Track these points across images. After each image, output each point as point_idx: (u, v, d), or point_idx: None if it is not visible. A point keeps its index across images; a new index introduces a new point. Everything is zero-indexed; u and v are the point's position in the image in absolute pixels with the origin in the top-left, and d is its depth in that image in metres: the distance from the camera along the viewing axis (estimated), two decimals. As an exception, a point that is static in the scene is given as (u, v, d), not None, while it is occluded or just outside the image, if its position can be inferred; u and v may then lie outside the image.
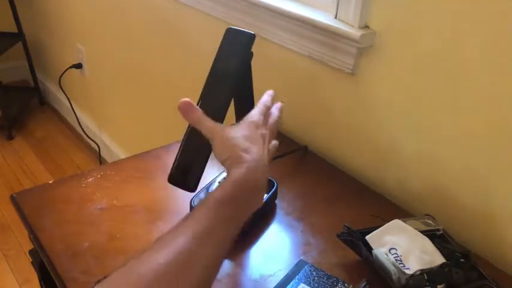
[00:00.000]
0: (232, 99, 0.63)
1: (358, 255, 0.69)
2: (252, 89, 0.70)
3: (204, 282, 0.48)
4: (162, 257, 0.45)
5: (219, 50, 0.62)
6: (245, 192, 0.53)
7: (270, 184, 0.80)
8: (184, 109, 0.56)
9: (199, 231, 0.48)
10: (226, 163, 0.55)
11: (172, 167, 0.60)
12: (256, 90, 1.10)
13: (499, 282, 0.63)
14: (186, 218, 0.50)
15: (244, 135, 0.57)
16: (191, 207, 0.74)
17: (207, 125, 0.56)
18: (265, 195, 0.78)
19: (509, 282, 0.69)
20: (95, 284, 0.45)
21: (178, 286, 0.45)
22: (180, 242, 0.47)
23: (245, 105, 0.68)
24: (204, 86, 0.61)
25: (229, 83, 0.61)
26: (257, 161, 0.55)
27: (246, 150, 0.55)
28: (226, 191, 0.52)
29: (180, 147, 0.60)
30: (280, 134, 1.04)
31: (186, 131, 0.60)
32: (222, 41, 0.62)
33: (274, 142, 0.64)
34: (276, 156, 0.90)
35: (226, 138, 0.56)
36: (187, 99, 0.56)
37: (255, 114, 0.61)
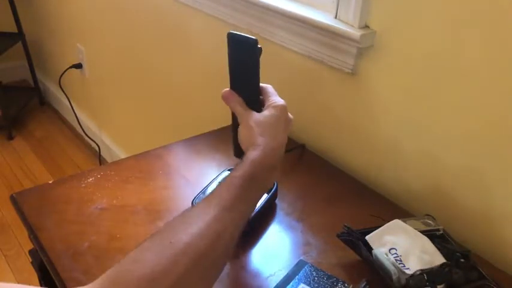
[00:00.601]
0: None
1: (358, 255, 0.69)
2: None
3: (229, 249, 0.54)
4: (195, 227, 0.50)
5: (230, 60, 0.65)
6: (262, 171, 0.58)
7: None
8: (224, 96, 0.65)
9: (227, 205, 0.53)
10: (244, 146, 0.61)
11: (233, 145, 0.67)
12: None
13: (499, 282, 0.63)
14: (209, 197, 0.55)
15: (268, 122, 0.61)
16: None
17: (238, 111, 0.63)
18: (265, 195, 0.78)
19: (509, 282, 0.69)
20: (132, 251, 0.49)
21: (213, 253, 0.50)
22: (210, 214, 0.52)
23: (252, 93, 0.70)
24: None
25: (252, 80, 0.67)
26: (272, 144, 0.60)
27: (262, 134, 0.60)
28: (246, 170, 0.57)
29: (231, 128, 0.67)
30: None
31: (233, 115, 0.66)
32: (228, 51, 0.64)
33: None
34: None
35: (249, 124, 0.61)
36: (227, 89, 0.65)
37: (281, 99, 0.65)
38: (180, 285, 0.47)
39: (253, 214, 0.71)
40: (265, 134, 0.60)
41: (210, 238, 0.50)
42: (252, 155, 0.58)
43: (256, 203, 0.60)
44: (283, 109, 0.64)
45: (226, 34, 0.62)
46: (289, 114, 0.65)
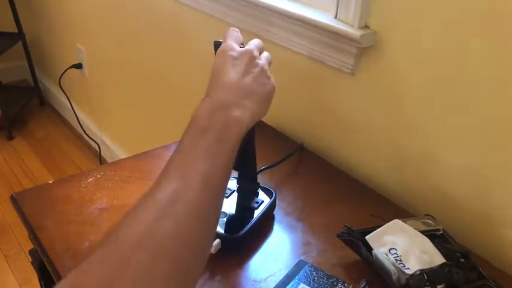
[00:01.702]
0: None
1: (358, 255, 0.69)
2: None
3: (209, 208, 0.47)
4: (147, 211, 0.43)
5: None
6: (213, 115, 0.52)
7: (269, 193, 0.78)
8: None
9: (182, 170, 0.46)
10: None
11: None
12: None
13: (499, 282, 0.63)
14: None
15: (213, 68, 0.57)
16: None
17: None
18: (264, 204, 0.75)
19: (509, 282, 0.69)
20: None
21: (185, 231, 0.43)
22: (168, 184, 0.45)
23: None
24: None
25: None
26: (215, 88, 0.55)
27: (209, 83, 0.56)
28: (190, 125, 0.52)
29: None
30: (278, 133, 1.05)
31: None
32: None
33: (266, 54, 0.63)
34: (275, 163, 0.90)
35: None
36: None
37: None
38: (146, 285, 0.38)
39: (249, 226, 0.71)
40: (211, 82, 0.56)
41: (172, 215, 0.42)
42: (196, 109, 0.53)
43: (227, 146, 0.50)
44: (220, 51, 0.58)
45: (217, 42, 0.61)
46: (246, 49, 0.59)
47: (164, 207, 0.43)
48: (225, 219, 0.72)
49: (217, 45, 0.61)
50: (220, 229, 0.70)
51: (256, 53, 0.59)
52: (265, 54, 0.62)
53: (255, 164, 0.73)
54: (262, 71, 0.58)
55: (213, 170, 0.47)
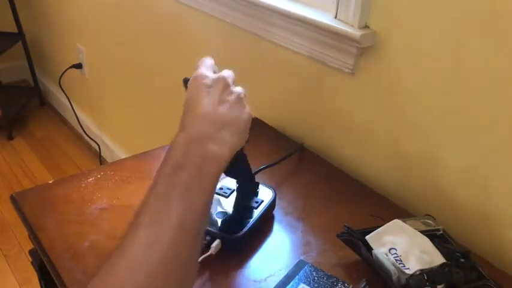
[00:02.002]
0: None
1: (358, 255, 0.69)
2: None
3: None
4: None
5: None
6: (188, 153, 0.49)
7: (268, 193, 0.78)
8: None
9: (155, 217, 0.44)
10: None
11: None
12: (255, 89, 1.11)
13: (499, 282, 0.63)
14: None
15: (186, 97, 0.55)
16: None
17: None
18: (264, 204, 0.75)
19: (509, 282, 0.69)
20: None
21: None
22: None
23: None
24: None
25: None
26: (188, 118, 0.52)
27: (183, 114, 0.54)
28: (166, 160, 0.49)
29: None
30: (278, 133, 1.05)
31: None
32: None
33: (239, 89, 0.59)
34: (275, 162, 0.90)
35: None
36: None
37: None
38: None
39: (249, 226, 0.70)
40: (185, 114, 0.53)
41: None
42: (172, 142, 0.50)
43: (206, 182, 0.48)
44: (193, 80, 0.56)
45: (186, 78, 0.59)
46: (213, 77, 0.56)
47: (137, 261, 0.42)
48: (224, 219, 0.72)
49: (186, 81, 0.59)
50: (220, 229, 0.70)
51: (230, 80, 0.56)
52: (238, 87, 0.59)
53: (249, 169, 0.73)
54: (238, 98, 0.55)
55: (190, 211, 0.45)
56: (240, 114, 0.55)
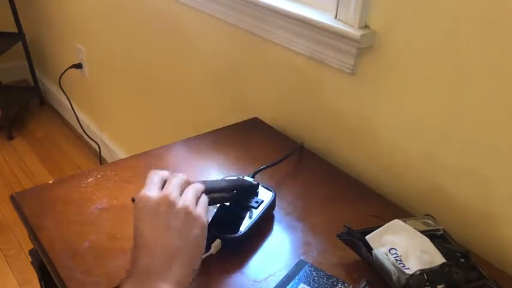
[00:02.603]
0: None
1: (358, 255, 0.69)
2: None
3: None
4: None
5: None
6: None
7: (268, 193, 0.78)
8: None
9: None
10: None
11: None
12: (255, 90, 1.11)
13: (499, 282, 0.64)
14: None
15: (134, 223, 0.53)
16: None
17: None
18: (264, 204, 0.75)
19: (509, 282, 0.69)
20: None
21: None
22: None
23: None
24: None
25: None
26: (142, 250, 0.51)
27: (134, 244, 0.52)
28: None
29: None
30: (278, 133, 1.05)
31: None
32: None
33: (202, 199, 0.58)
34: (275, 162, 0.90)
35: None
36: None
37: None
38: None
39: (249, 226, 0.70)
40: (133, 246, 0.51)
41: None
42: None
43: None
44: (136, 205, 0.53)
45: (133, 198, 0.58)
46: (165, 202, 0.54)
47: None
48: (224, 219, 0.72)
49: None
50: (220, 229, 0.70)
51: (174, 196, 0.54)
52: (189, 189, 0.57)
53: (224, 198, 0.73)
54: (186, 214, 0.53)
55: None
56: (189, 233, 0.52)
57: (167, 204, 0.53)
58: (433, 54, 0.75)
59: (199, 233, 0.54)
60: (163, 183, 0.57)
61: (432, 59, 0.75)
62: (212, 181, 0.70)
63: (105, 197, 0.80)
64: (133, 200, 0.57)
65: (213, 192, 0.66)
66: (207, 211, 0.57)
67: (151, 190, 0.55)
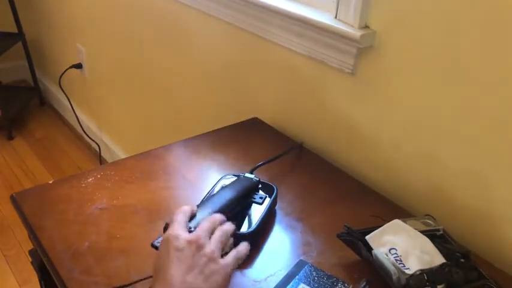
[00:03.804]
0: None
1: (358, 255, 0.69)
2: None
3: None
4: None
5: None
6: None
7: (270, 189, 0.79)
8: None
9: None
10: None
11: None
12: (255, 90, 1.11)
13: (499, 282, 0.64)
14: None
15: (156, 261, 0.54)
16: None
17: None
18: (269, 199, 0.77)
19: (509, 282, 0.69)
20: None
21: None
22: None
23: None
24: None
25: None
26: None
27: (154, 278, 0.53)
28: None
29: None
30: (278, 132, 1.05)
31: None
32: None
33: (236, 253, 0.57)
34: (273, 158, 0.90)
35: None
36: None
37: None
38: None
39: (256, 225, 0.71)
40: (154, 280, 0.51)
41: None
42: None
43: None
44: (164, 242, 0.54)
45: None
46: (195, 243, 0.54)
47: None
48: (233, 215, 0.72)
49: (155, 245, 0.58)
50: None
51: (203, 240, 0.54)
52: (217, 234, 0.56)
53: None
54: (210, 260, 0.53)
55: None
56: (211, 278, 0.52)
57: (196, 247, 0.53)
58: (433, 54, 0.75)
59: (221, 281, 0.53)
60: (190, 219, 0.58)
61: (432, 59, 0.75)
62: (226, 201, 0.69)
63: (105, 197, 0.80)
64: (152, 245, 0.58)
65: (232, 210, 0.68)
66: (236, 259, 0.57)
67: (180, 229, 0.55)
